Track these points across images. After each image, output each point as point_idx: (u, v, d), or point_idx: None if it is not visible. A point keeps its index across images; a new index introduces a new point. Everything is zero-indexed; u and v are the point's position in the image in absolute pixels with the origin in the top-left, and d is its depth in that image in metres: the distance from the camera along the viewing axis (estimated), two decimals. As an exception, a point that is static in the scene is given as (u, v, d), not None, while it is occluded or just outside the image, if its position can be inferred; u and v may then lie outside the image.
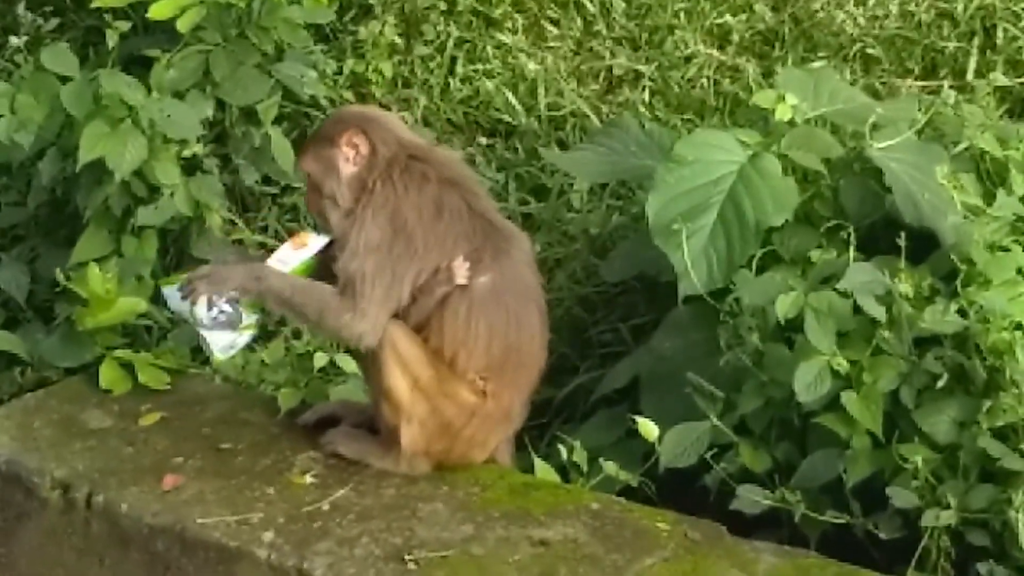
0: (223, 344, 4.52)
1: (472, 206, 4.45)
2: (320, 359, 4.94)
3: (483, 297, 4.40)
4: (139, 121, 5.43)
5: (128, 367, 5.03)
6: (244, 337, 4.54)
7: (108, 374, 5.01)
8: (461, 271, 4.39)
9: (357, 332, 4.38)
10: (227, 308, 4.46)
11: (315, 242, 4.52)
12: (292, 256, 4.51)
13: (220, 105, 5.90)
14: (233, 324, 4.47)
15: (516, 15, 6.72)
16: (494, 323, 4.41)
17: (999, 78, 5.91)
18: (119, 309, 5.14)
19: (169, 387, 4.99)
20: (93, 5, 5.89)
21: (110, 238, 5.57)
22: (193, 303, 4.44)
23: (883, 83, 6.35)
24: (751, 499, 4.51)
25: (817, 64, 6.17)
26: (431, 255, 4.37)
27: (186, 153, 5.55)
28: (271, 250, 5.92)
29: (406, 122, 5.37)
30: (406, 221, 4.37)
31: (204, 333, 4.50)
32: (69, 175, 5.58)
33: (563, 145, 6.33)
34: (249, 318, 4.50)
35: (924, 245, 4.81)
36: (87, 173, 5.47)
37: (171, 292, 4.55)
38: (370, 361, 4.43)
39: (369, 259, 4.36)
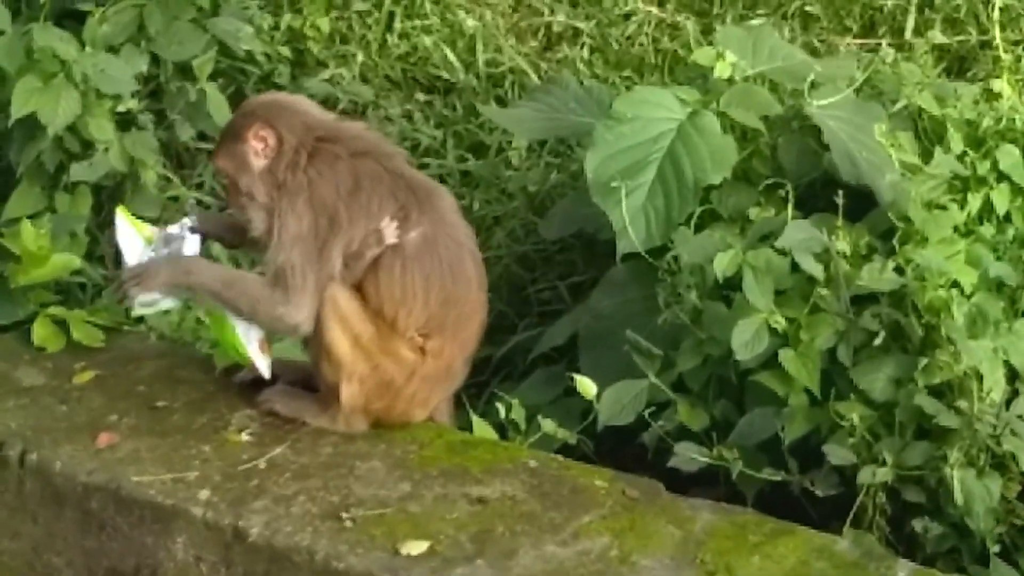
0: (144, 300, 4.50)
1: (388, 169, 4.43)
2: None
3: (415, 252, 4.38)
4: (72, 76, 5.36)
5: (62, 324, 4.98)
6: (167, 301, 4.54)
7: (41, 331, 4.96)
8: (390, 231, 4.37)
9: (292, 324, 4.38)
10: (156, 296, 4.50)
11: (262, 361, 4.53)
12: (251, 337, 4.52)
13: (155, 60, 5.84)
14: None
15: (454, -30, 6.69)
16: (430, 276, 4.39)
17: (937, 36, 5.93)
18: (53, 266, 5.08)
19: (103, 345, 4.94)
20: (25, -42, 5.82)
21: (43, 194, 5.51)
22: (123, 303, 4.52)
23: (822, 41, 6.36)
24: (689, 457, 4.51)
25: (756, 22, 6.18)
26: (357, 225, 4.36)
27: (120, 108, 5.49)
28: (207, 207, 5.95)
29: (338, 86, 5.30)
30: (325, 202, 4.35)
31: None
32: (1, 130, 5.51)
33: (502, 102, 6.31)
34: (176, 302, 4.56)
35: (862, 203, 4.82)
36: (19, 128, 5.39)
37: (122, 223, 4.55)
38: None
39: (295, 249, 4.34)
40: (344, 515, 4.15)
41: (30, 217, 5.23)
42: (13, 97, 5.30)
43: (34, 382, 4.78)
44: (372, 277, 4.38)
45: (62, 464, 4.41)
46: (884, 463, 4.32)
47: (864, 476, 4.32)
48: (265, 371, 4.51)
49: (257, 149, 4.41)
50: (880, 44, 6.14)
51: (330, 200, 4.35)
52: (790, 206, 4.82)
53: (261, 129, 4.41)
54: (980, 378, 4.38)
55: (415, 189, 4.42)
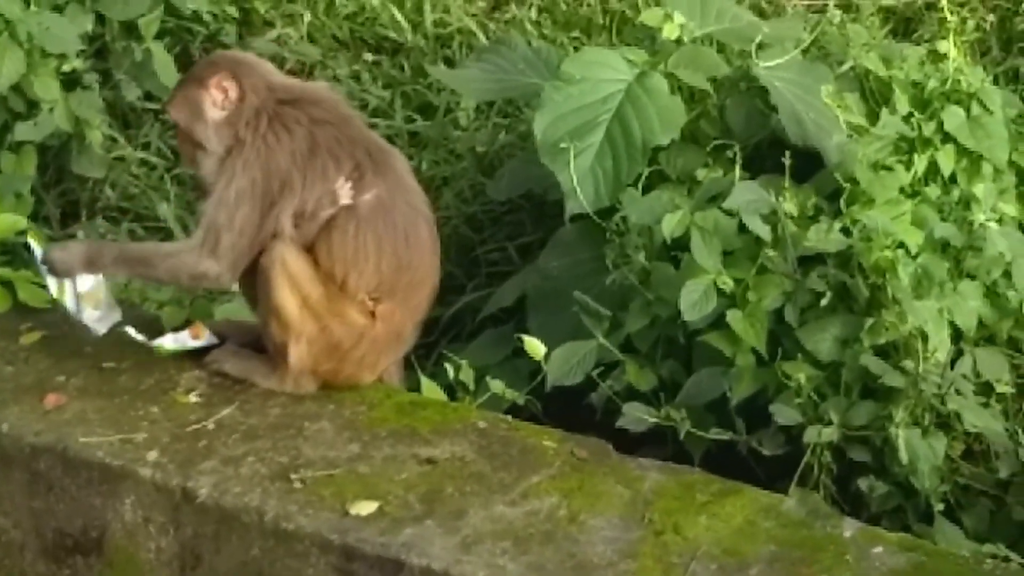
0: (95, 317, 4.55)
1: (349, 135, 4.42)
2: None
3: (370, 214, 4.37)
4: (17, 35, 5.32)
5: (8, 285, 4.94)
6: (116, 313, 4.58)
7: (-14, 292, 4.93)
8: (344, 191, 4.35)
9: (214, 275, 4.37)
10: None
11: (208, 338, 4.55)
12: (188, 342, 4.54)
13: (100, 19, 5.80)
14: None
15: (403, -71, 6.65)
16: (383, 238, 4.38)
17: (884, -3, 5.95)
18: (-2, 226, 5.06)
19: (50, 305, 4.91)
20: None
21: (-13, 154, 5.47)
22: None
23: (769, 2, 6.37)
24: (637, 417, 4.54)
25: (704, -18, 6.17)
26: (312, 188, 4.34)
27: (65, 68, 5.46)
28: (152, 167, 5.92)
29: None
30: (279, 167, 4.32)
31: (73, 312, 4.56)
32: (-56, 90, 5.47)
33: (450, 63, 6.29)
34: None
35: (809, 164, 4.85)
36: (-38, 88, 5.36)
37: (37, 249, 4.59)
38: (259, 279, 4.38)
39: (239, 208, 4.32)
40: (293, 476, 4.15)
41: (-26, 177, 5.20)
42: (-44, 56, 5.27)
43: (-21, 343, 4.76)
44: (325, 238, 4.36)
45: (9, 425, 4.39)
46: (830, 423, 4.36)
47: (810, 435, 4.35)
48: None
49: (216, 99, 4.37)
50: (827, 5, 6.15)
51: (284, 166, 4.33)
52: (738, 167, 4.84)
53: (225, 80, 4.37)
54: (925, 338, 4.41)
55: (371, 151, 4.41)
